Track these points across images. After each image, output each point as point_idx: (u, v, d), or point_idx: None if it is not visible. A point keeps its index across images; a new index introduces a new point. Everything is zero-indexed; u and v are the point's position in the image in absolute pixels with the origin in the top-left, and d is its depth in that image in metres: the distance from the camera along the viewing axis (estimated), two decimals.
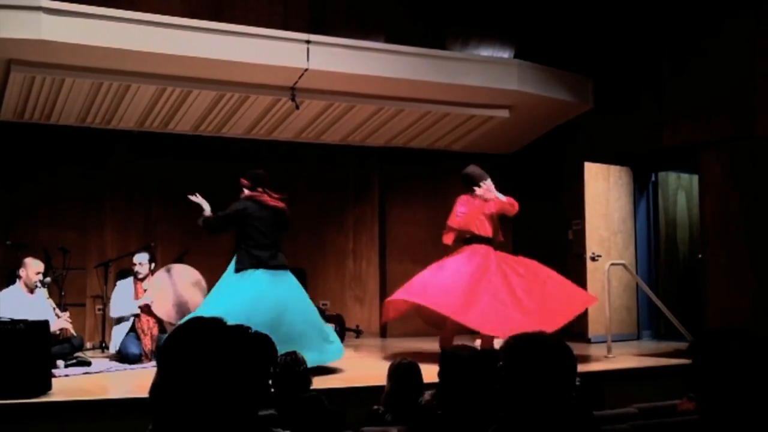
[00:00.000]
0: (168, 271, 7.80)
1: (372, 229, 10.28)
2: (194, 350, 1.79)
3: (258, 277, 6.45)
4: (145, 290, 7.70)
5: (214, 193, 6.93)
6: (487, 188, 7.54)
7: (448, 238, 7.55)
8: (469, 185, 7.57)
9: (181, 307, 7.48)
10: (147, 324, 7.52)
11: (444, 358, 2.91)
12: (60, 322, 6.82)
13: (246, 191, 6.67)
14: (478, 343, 7.42)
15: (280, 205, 6.66)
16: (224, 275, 6.60)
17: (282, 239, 6.80)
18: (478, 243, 7.42)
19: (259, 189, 6.64)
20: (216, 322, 1.87)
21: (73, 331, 7.01)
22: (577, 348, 2.56)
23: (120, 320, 7.70)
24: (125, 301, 7.69)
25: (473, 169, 7.64)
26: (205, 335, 1.83)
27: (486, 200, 7.54)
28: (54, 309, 6.98)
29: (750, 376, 2.32)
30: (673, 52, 8.75)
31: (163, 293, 7.62)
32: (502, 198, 7.51)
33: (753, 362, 2.35)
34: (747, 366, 2.33)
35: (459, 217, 7.49)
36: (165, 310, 7.54)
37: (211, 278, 7.13)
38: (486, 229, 7.49)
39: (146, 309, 7.59)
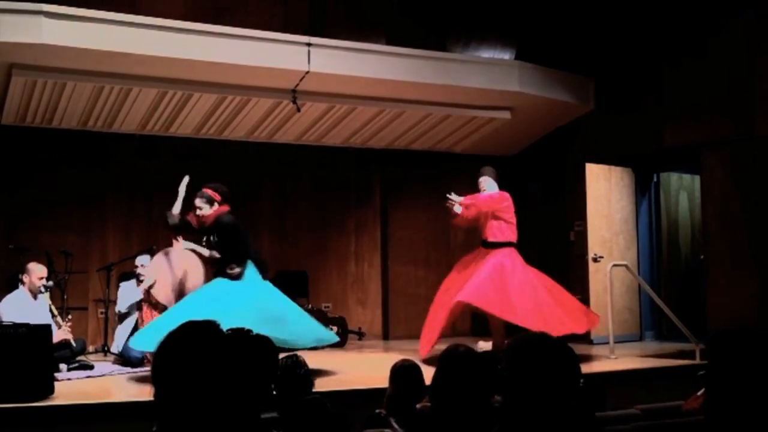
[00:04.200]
0: (166, 254, 7.67)
1: (374, 231, 10.29)
2: (188, 355, 1.77)
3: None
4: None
5: None
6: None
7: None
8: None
9: (181, 291, 7.44)
10: None
11: (441, 357, 2.90)
12: (60, 333, 6.77)
13: (218, 205, 6.79)
14: (489, 345, 7.42)
15: None
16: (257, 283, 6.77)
17: None
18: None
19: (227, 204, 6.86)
20: (209, 326, 1.85)
21: (73, 342, 6.96)
22: (579, 349, 2.56)
23: (126, 316, 7.74)
24: (130, 296, 7.78)
25: None
26: (198, 340, 1.81)
27: None
28: (56, 317, 6.95)
29: (764, 376, 2.32)
30: (674, 53, 8.74)
31: (162, 277, 7.58)
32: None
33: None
34: (763, 365, 2.33)
35: None
36: (164, 294, 7.49)
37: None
38: None
39: (147, 299, 7.56)
